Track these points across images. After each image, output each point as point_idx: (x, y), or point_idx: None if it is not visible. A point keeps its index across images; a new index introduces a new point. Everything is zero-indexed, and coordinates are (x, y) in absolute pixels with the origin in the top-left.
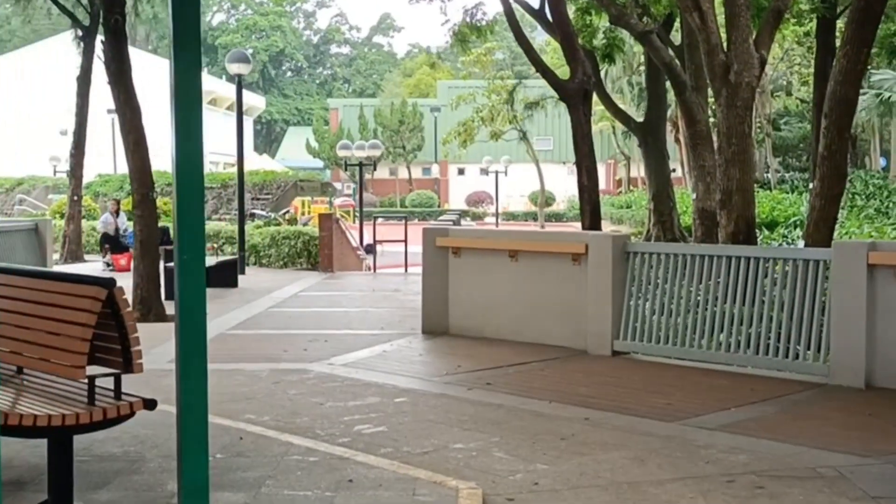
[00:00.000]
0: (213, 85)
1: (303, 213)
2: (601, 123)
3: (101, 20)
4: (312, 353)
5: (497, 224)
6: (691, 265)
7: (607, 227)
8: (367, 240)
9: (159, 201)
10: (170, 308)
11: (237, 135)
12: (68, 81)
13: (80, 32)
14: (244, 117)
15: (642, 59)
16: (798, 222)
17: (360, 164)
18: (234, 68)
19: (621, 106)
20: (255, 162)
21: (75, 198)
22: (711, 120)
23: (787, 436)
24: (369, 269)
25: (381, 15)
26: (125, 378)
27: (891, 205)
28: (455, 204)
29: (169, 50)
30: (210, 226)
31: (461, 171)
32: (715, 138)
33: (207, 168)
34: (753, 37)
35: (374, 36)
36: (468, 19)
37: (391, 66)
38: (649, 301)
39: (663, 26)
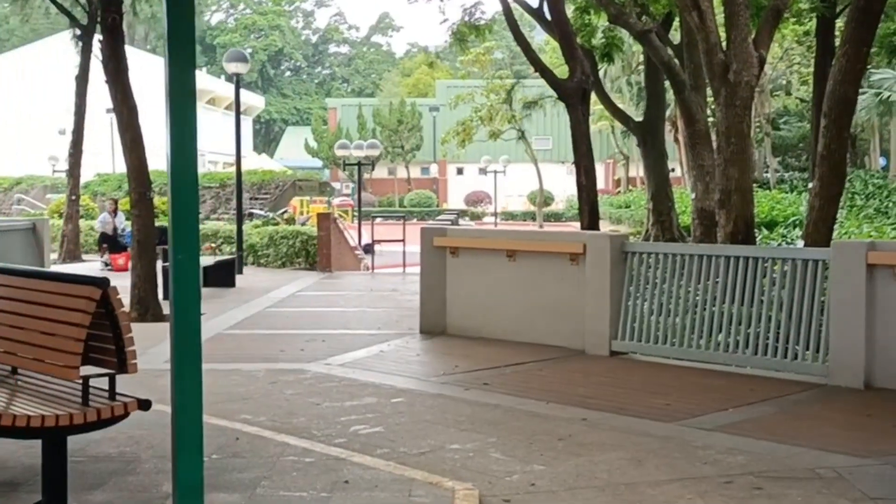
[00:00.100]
0: (211, 84)
1: (301, 213)
2: (600, 123)
3: (98, 19)
4: (310, 353)
5: (496, 224)
6: (690, 265)
7: (606, 226)
8: (366, 239)
9: (157, 201)
10: (167, 308)
11: (235, 134)
12: (67, 81)
13: (77, 31)
14: (243, 117)
15: (641, 58)
16: (797, 222)
17: (359, 164)
18: (232, 67)
19: (620, 105)
20: (254, 161)
21: (73, 197)
22: (710, 119)
23: (785, 436)
24: (367, 268)
25: (380, 14)
26: (121, 378)
27: (890, 204)
28: (454, 204)
29: (163, 48)
30: (208, 225)
31: (460, 171)
32: (714, 138)
33: (206, 168)
34: (752, 36)
35: (372, 35)
36: (467, 18)
37: (390, 65)
38: (647, 301)
39: (662, 25)
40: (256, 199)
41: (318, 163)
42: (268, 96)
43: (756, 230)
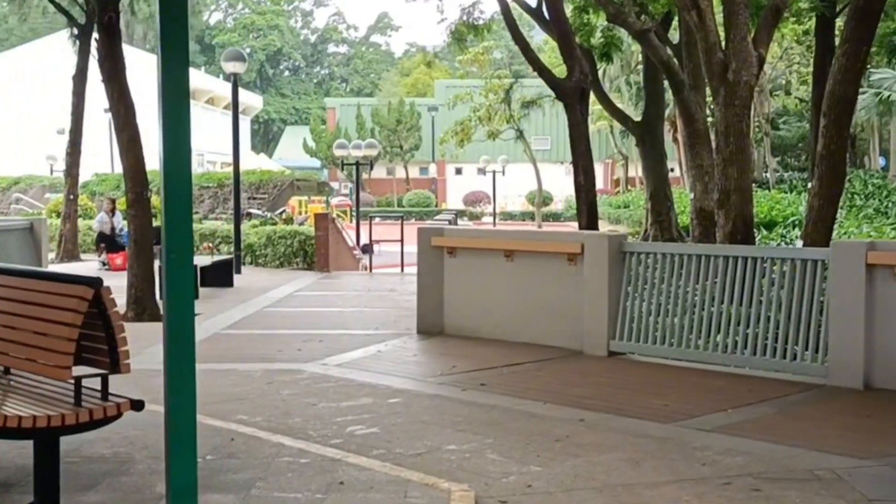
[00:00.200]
0: (210, 84)
1: (299, 213)
2: (599, 123)
3: (95, 18)
4: (306, 354)
5: (494, 224)
6: (688, 265)
7: (605, 226)
8: (364, 239)
9: (154, 200)
10: None
11: (233, 134)
12: (66, 80)
13: (75, 31)
14: (241, 117)
15: (640, 57)
16: (796, 222)
17: (357, 164)
18: (229, 67)
19: (619, 105)
20: (253, 161)
21: (71, 197)
22: (709, 119)
23: (784, 437)
24: (365, 268)
25: (379, 14)
26: (117, 378)
27: (890, 204)
28: (452, 204)
29: (154, 46)
30: (206, 225)
31: (458, 171)
32: (713, 137)
33: (205, 167)
34: (752, 35)
35: (371, 35)
36: (465, 18)
37: (389, 65)
38: (646, 301)
39: (661, 25)
40: (254, 198)
41: (317, 163)
42: (266, 96)
43: (755, 230)
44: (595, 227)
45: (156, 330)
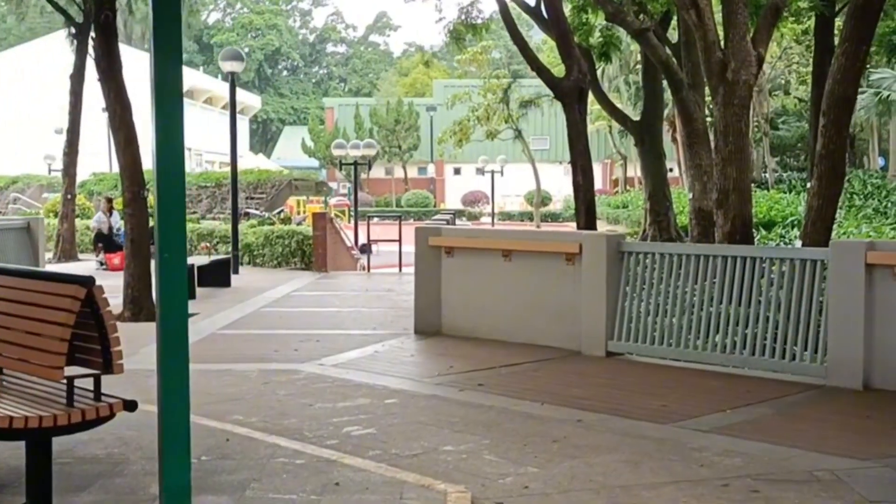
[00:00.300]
0: (208, 84)
1: (298, 213)
2: (598, 123)
3: (92, 17)
4: (303, 354)
5: (493, 224)
6: (687, 265)
7: (603, 227)
8: (362, 239)
9: (151, 199)
10: None
11: (231, 133)
12: (64, 79)
13: (73, 30)
14: (240, 116)
15: (639, 57)
16: (795, 222)
17: (355, 164)
18: (227, 66)
19: (618, 105)
20: (251, 161)
21: (69, 196)
22: (708, 119)
23: (783, 438)
24: (363, 268)
25: (378, 14)
26: (113, 378)
27: (889, 204)
28: (451, 204)
29: (149, 45)
30: (204, 225)
31: (457, 171)
32: (712, 137)
33: (203, 167)
34: (751, 34)
35: (370, 35)
36: (463, 17)
37: (387, 65)
38: (644, 301)
39: (660, 24)
40: (252, 198)
41: (315, 162)
42: (265, 96)
43: (754, 230)
44: (593, 227)
45: (152, 330)
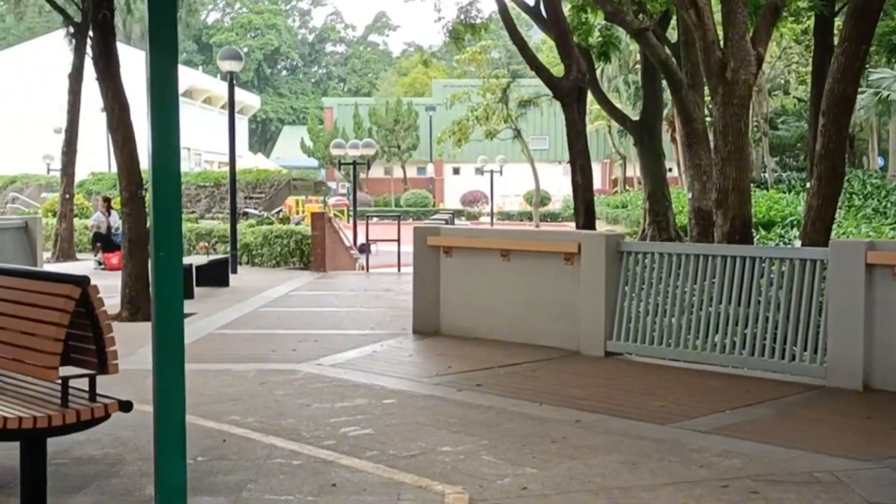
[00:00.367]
0: (207, 83)
1: (296, 213)
2: (597, 122)
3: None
4: (301, 354)
5: (492, 224)
6: (686, 265)
7: (603, 226)
8: (361, 239)
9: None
10: None
11: (229, 133)
12: (63, 79)
13: (71, 29)
14: (239, 116)
15: (638, 57)
16: (795, 222)
17: (354, 164)
18: (225, 65)
19: (617, 105)
20: (250, 161)
21: (67, 196)
22: (708, 118)
23: (782, 439)
24: (362, 268)
25: (377, 14)
26: (110, 378)
27: (888, 205)
28: (450, 203)
29: (144, 43)
30: (202, 224)
31: (456, 171)
32: (711, 137)
33: (202, 167)
34: (750, 34)
35: (369, 35)
36: (462, 17)
37: (386, 64)
38: (643, 301)
39: (659, 24)
40: (251, 198)
41: (315, 162)
42: (264, 96)
43: (753, 230)
44: (592, 227)
45: (150, 329)
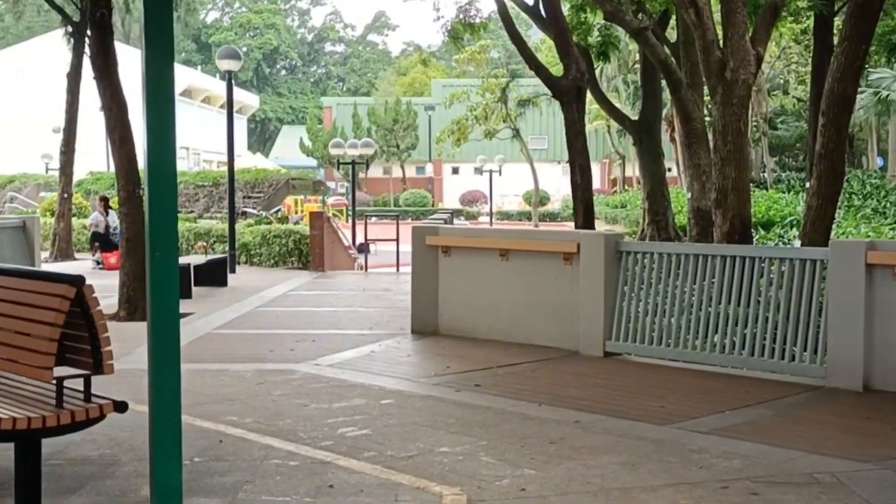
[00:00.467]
0: (206, 83)
1: (295, 212)
2: (596, 122)
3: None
4: (299, 354)
5: (491, 223)
6: (685, 265)
7: (602, 226)
8: (360, 239)
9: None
10: None
11: (227, 132)
12: (62, 78)
13: (70, 28)
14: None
15: (637, 56)
16: (794, 222)
17: (353, 163)
18: (224, 64)
19: (616, 104)
20: (249, 160)
21: (65, 195)
22: (707, 118)
23: (782, 440)
24: (361, 268)
25: (376, 13)
26: (107, 379)
27: (888, 205)
28: (449, 203)
29: (140, 42)
30: (201, 224)
31: (455, 171)
32: (710, 137)
33: (201, 166)
34: (750, 33)
35: (368, 34)
36: (461, 16)
37: (385, 64)
38: (642, 301)
39: (659, 23)
40: (250, 197)
41: (313, 162)
42: (263, 95)
43: (753, 230)
44: (592, 227)
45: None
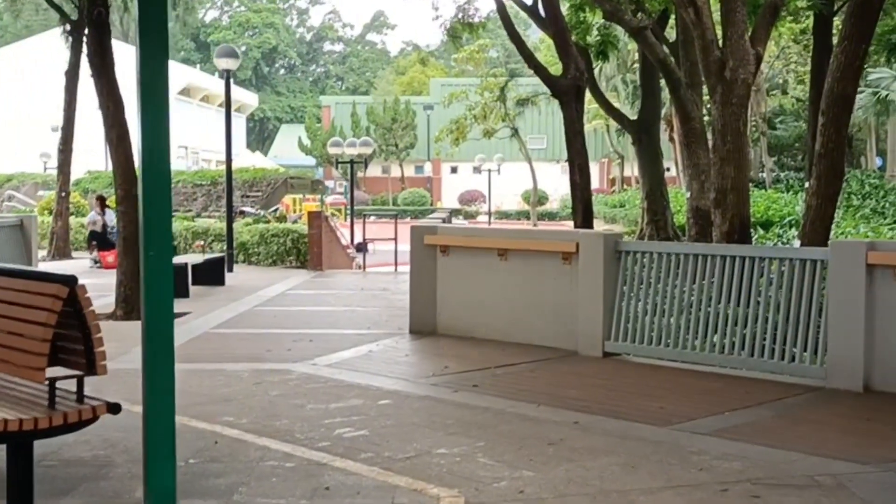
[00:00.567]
0: (205, 82)
1: (293, 211)
2: (595, 122)
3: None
4: (296, 353)
5: (490, 223)
6: (685, 265)
7: (600, 226)
8: (358, 238)
9: None
10: None
11: (226, 131)
12: (60, 77)
13: (68, 27)
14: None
15: (636, 56)
16: (793, 222)
17: (352, 162)
18: (222, 63)
19: (615, 104)
20: (247, 159)
21: (63, 194)
22: (706, 118)
23: (782, 441)
24: (359, 267)
25: (375, 13)
26: (103, 379)
27: (887, 205)
28: (448, 202)
29: (134, 40)
30: (199, 223)
31: (454, 170)
32: (710, 136)
33: (199, 165)
34: (749, 33)
35: (367, 33)
36: (460, 16)
37: (384, 63)
38: (641, 301)
39: (658, 23)
40: (248, 196)
41: (312, 161)
42: (262, 94)
43: (752, 230)
44: (590, 226)
45: None
